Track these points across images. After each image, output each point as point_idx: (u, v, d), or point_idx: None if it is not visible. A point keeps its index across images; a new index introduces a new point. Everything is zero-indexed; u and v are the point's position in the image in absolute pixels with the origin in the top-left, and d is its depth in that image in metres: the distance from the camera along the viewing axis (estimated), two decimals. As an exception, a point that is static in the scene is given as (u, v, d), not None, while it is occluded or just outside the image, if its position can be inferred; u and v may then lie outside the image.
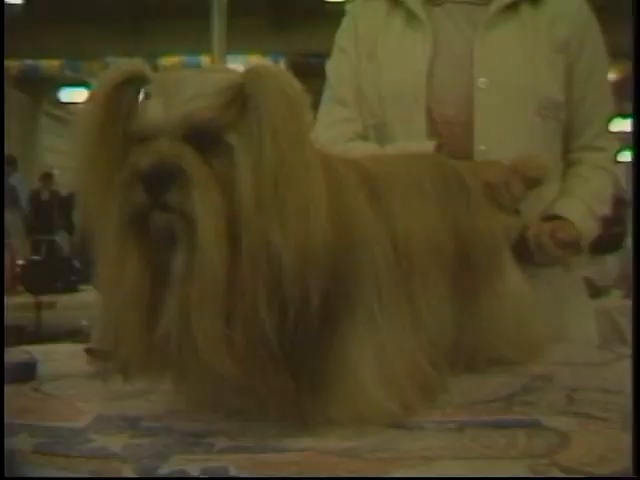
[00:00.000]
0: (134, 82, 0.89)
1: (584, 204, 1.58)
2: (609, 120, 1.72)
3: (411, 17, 1.61)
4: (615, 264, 4.85)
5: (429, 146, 1.49)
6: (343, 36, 1.72)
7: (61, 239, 8.24)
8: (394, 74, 1.60)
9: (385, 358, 0.93)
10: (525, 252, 1.47)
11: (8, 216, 9.64)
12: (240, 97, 0.85)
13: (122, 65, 0.90)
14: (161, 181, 0.82)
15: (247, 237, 0.82)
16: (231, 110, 0.85)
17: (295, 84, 0.86)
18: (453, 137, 1.55)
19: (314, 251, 0.83)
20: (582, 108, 1.64)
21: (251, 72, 0.86)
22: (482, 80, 1.55)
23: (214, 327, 0.82)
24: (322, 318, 0.86)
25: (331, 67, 1.73)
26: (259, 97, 0.84)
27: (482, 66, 1.56)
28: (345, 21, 1.73)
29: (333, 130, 1.65)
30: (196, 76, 0.89)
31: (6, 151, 11.24)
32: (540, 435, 0.86)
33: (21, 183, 10.29)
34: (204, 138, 0.84)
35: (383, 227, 0.99)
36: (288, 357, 0.84)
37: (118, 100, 0.88)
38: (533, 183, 1.42)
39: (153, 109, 0.86)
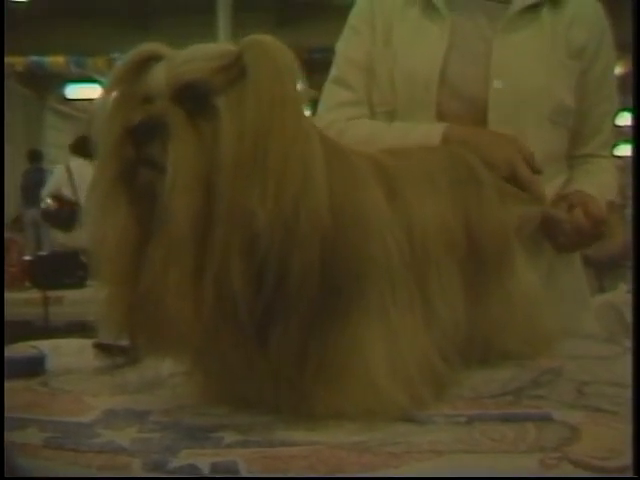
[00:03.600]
0: (153, 60, 0.91)
1: (594, 188, 1.56)
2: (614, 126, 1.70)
3: (429, 7, 1.58)
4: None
5: (439, 128, 1.47)
6: (358, 16, 1.67)
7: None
8: (408, 62, 1.57)
9: (397, 351, 0.92)
10: (549, 236, 1.47)
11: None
12: (236, 65, 0.87)
13: (144, 45, 0.93)
14: (146, 134, 0.85)
15: (225, 198, 0.83)
16: (222, 75, 0.87)
17: (288, 55, 0.87)
18: None
19: (298, 222, 0.83)
20: (591, 116, 1.63)
21: (247, 40, 0.89)
22: (498, 81, 1.53)
23: (180, 282, 0.83)
24: (328, 305, 0.86)
25: (341, 47, 1.68)
26: (249, 62, 0.86)
27: (499, 67, 1.54)
28: (361, 1, 1.68)
29: (334, 112, 1.63)
30: (196, 46, 0.92)
31: (30, 146, 11.31)
32: (550, 428, 0.86)
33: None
34: (192, 99, 0.87)
35: (399, 221, 0.99)
36: (257, 329, 0.84)
37: (136, 76, 0.91)
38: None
39: (154, 75, 0.90)
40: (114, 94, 0.92)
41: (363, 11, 1.67)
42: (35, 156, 10.43)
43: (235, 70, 0.87)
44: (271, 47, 0.87)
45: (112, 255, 0.88)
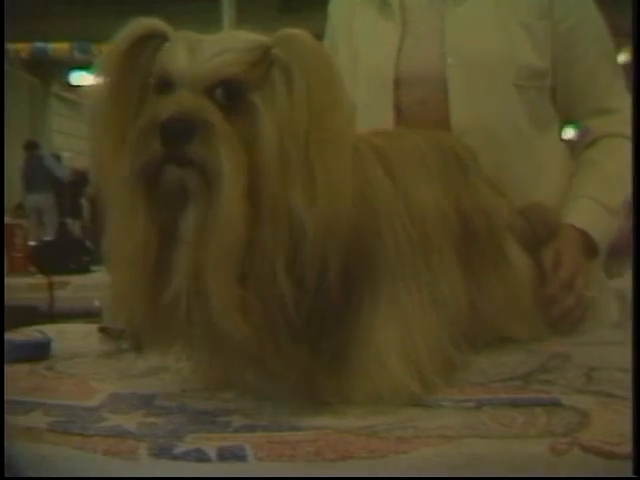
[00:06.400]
0: (154, 38, 0.87)
1: (594, 202, 1.47)
2: (616, 78, 1.58)
3: (384, 4, 1.56)
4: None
5: None
6: (325, 40, 1.69)
7: (71, 221, 8.32)
8: (365, 60, 1.56)
9: (408, 336, 0.92)
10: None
11: (42, 197, 9.79)
12: (267, 59, 0.84)
13: (142, 20, 0.88)
14: (182, 133, 0.80)
15: (268, 199, 0.81)
16: (257, 69, 0.84)
17: (330, 54, 0.86)
18: (428, 117, 1.48)
19: (337, 222, 0.82)
20: (575, 71, 1.53)
21: (283, 35, 0.85)
22: (453, 58, 1.49)
23: (228, 287, 0.80)
24: (345, 293, 0.85)
25: None
26: (292, 59, 0.83)
27: (453, 42, 1.49)
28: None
29: None
30: (223, 35, 0.88)
31: (34, 132, 11.36)
32: (560, 414, 0.85)
33: (53, 164, 10.38)
34: (229, 94, 0.83)
35: (401, 204, 0.98)
36: (306, 328, 0.83)
37: (136, 53, 0.87)
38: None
39: (177, 61, 0.84)
40: (116, 78, 0.87)
41: (326, 33, 1.69)
42: (30, 147, 10.52)
43: (265, 64, 0.84)
44: (311, 42, 0.84)
45: (133, 262, 0.84)
